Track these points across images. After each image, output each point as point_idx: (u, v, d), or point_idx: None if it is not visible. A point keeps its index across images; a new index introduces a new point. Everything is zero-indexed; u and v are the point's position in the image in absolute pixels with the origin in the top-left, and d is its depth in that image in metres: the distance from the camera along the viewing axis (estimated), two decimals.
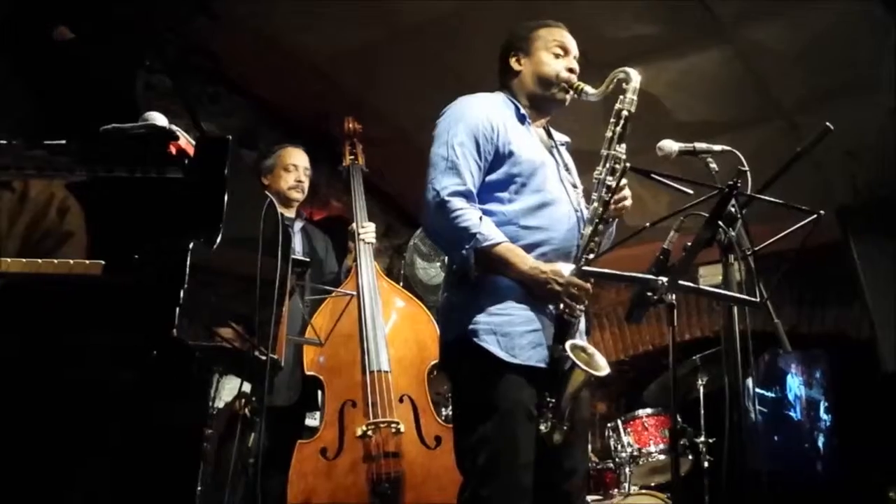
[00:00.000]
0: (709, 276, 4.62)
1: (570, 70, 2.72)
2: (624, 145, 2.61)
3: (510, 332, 2.45)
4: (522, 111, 2.70)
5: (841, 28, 4.33)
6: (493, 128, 2.58)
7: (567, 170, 2.78)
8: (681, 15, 4.42)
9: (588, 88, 2.68)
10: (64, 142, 2.04)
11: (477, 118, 2.58)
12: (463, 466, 2.48)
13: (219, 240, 1.96)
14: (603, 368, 2.43)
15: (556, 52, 2.73)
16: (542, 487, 2.41)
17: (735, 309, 2.15)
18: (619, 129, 2.62)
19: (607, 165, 2.59)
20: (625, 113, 2.62)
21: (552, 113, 2.82)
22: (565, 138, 2.90)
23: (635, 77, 2.65)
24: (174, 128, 2.08)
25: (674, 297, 2.20)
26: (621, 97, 2.65)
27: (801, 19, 4.35)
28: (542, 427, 2.41)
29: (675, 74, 4.81)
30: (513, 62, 2.76)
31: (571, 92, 2.71)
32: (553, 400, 2.42)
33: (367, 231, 3.97)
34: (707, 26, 4.48)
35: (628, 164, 2.00)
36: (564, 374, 2.44)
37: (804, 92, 4.79)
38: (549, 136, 2.84)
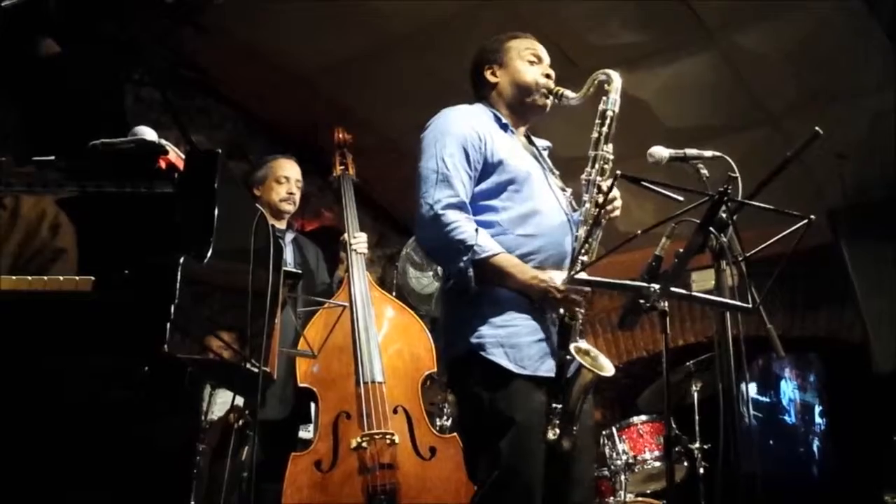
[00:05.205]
0: (701, 282, 4.62)
1: (547, 76, 2.75)
2: (611, 145, 2.63)
3: (517, 343, 2.42)
4: (504, 120, 2.70)
5: (827, 31, 4.35)
6: (481, 137, 2.57)
7: (554, 174, 2.78)
8: (668, 21, 4.44)
9: (568, 93, 2.71)
10: (53, 158, 2.03)
11: (463, 129, 2.58)
12: (476, 478, 2.46)
13: (209, 253, 1.95)
14: (608, 369, 2.43)
15: (530, 60, 2.75)
16: (551, 497, 2.38)
17: (728, 314, 2.14)
18: (604, 129, 2.64)
19: (596, 166, 2.60)
20: (609, 113, 2.65)
21: (532, 120, 2.82)
22: (546, 143, 2.91)
23: (616, 78, 2.68)
24: (163, 142, 2.07)
25: (666, 303, 2.19)
26: (604, 98, 2.67)
27: (788, 24, 4.38)
28: (551, 434, 2.37)
29: (664, 81, 4.82)
30: (488, 75, 2.77)
31: (552, 97, 2.72)
32: (560, 405, 2.40)
33: (359, 241, 3.95)
34: (694, 32, 4.50)
35: (619, 172, 2.00)
36: (571, 377, 2.43)
37: (793, 96, 4.81)
38: (531, 142, 2.84)
